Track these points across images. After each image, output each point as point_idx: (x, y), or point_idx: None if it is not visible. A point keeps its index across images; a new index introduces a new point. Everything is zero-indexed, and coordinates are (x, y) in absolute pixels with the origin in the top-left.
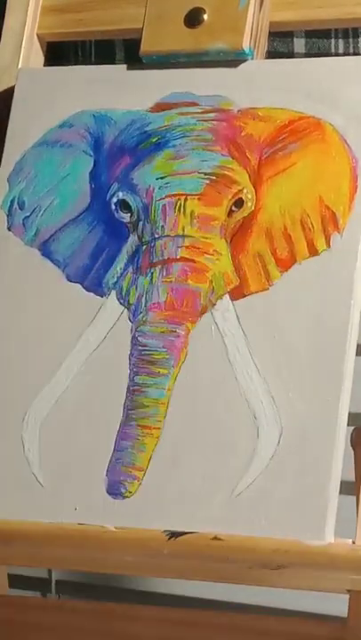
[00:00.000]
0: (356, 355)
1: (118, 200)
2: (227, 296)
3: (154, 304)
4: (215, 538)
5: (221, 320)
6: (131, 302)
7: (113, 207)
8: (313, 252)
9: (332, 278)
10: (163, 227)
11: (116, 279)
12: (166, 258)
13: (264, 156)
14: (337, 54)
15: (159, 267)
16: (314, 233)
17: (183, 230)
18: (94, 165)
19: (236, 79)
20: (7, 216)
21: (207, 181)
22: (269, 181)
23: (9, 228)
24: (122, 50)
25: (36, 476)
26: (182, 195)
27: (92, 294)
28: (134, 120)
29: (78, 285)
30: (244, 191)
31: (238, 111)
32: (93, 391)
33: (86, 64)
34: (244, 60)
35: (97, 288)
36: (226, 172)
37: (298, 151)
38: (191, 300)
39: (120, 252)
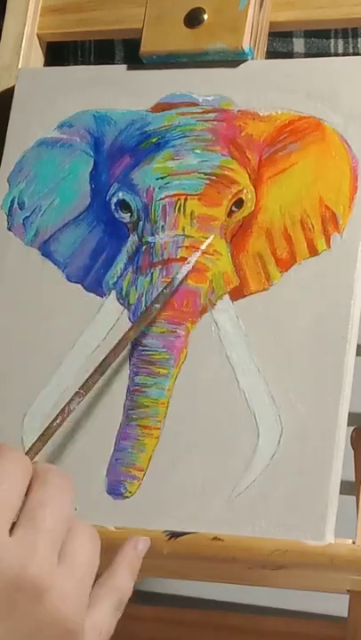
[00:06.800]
0: (357, 355)
1: (118, 200)
2: (227, 296)
3: None
4: (215, 538)
5: (221, 320)
6: (131, 302)
7: (113, 207)
8: (313, 252)
9: (332, 278)
10: (163, 227)
11: (115, 279)
12: (166, 258)
13: (264, 156)
14: (337, 54)
15: (159, 267)
16: (314, 233)
17: (183, 230)
18: (94, 165)
19: (236, 79)
20: (7, 216)
21: (207, 181)
22: (269, 181)
23: (9, 228)
24: (122, 50)
25: None
26: (182, 195)
27: (92, 294)
28: (134, 120)
29: (78, 285)
30: (244, 191)
31: (238, 111)
32: (93, 391)
33: (86, 64)
34: (244, 60)
35: (97, 288)
36: (226, 172)
37: (298, 151)
38: (191, 299)
39: (120, 252)
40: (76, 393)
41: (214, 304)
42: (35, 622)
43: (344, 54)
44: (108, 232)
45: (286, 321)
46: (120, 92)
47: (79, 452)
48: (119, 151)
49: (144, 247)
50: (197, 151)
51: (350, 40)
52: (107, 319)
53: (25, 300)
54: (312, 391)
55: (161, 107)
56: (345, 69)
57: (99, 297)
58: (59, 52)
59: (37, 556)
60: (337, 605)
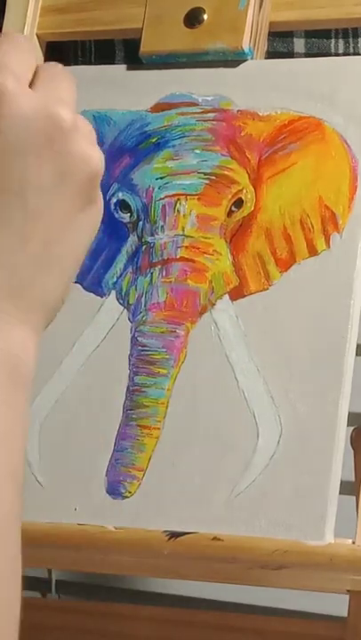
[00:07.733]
0: (357, 355)
1: (118, 200)
2: (226, 296)
3: (153, 304)
4: (215, 538)
5: (221, 320)
6: (130, 302)
7: (113, 207)
8: (313, 252)
9: (331, 278)
10: (162, 227)
11: (115, 279)
12: (166, 258)
13: (264, 155)
14: (337, 54)
15: (159, 267)
16: (314, 233)
17: (183, 230)
18: None
19: (236, 79)
20: None
21: (207, 181)
22: (269, 181)
23: None
24: (122, 50)
25: (36, 477)
26: (182, 195)
27: (91, 294)
28: (134, 120)
29: (78, 285)
30: (244, 191)
31: (238, 111)
32: (93, 391)
33: (86, 64)
34: (244, 60)
35: (96, 288)
36: (225, 172)
37: (298, 151)
38: (191, 299)
39: (120, 252)
40: None
41: (214, 304)
42: (68, 158)
43: (344, 54)
44: (108, 232)
45: (286, 321)
46: (120, 92)
47: (79, 452)
48: (119, 151)
49: (144, 247)
50: (197, 151)
51: (350, 40)
52: (107, 319)
53: None
54: (312, 391)
55: (161, 107)
56: (345, 69)
57: (98, 297)
58: (59, 52)
59: (62, 102)
60: (337, 605)
